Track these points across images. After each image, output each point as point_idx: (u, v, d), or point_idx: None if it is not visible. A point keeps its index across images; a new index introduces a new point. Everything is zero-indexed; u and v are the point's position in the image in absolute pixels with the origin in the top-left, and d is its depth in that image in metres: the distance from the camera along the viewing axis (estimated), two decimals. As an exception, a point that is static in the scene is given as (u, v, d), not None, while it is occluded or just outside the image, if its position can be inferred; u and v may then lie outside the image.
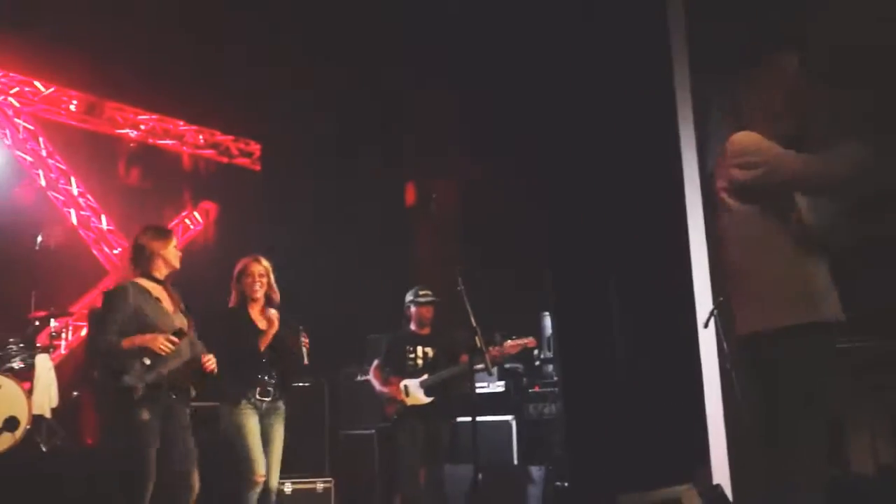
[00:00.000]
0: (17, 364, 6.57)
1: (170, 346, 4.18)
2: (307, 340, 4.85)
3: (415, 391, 5.71)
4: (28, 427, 6.12)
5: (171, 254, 4.52)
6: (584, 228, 6.49)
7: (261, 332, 4.93)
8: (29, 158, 8.57)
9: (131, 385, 4.17)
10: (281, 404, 4.97)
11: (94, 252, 8.85)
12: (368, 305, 7.21)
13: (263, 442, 4.85)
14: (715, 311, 4.99)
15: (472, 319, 4.68)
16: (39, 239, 6.99)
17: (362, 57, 7.85)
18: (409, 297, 5.85)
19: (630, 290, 6.35)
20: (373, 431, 6.97)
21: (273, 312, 4.98)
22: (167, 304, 4.47)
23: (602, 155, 6.39)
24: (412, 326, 5.87)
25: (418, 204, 8.73)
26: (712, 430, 5.21)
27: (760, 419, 2.86)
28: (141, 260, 4.49)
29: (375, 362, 5.93)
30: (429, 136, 8.11)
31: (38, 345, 6.81)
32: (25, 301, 6.92)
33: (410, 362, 5.78)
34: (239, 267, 5.05)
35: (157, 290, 4.46)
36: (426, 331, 5.87)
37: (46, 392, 6.61)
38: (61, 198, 8.72)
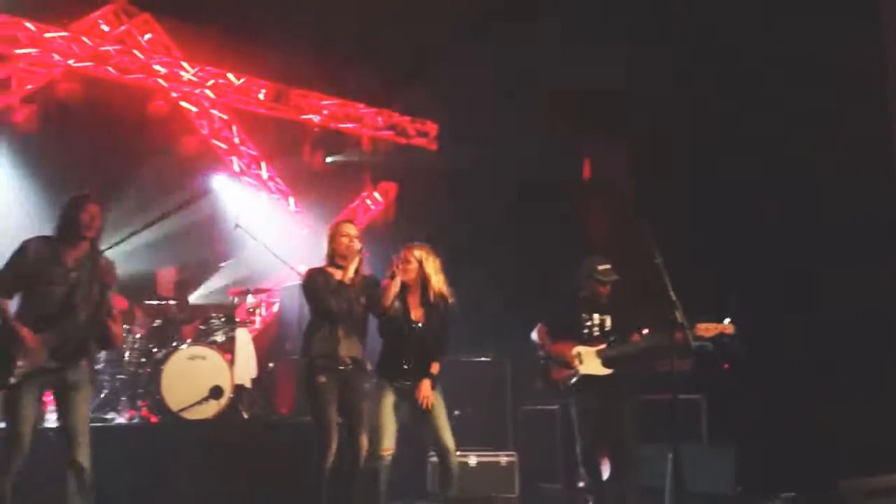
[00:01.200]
0: (219, 337, 7.04)
1: None
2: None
3: (590, 360, 5.35)
4: (231, 396, 6.49)
5: (340, 245, 5.01)
6: (779, 207, 6.26)
7: (411, 320, 5.03)
8: (224, 146, 9.06)
9: (311, 355, 4.85)
10: None
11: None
12: (550, 280, 6.93)
13: (419, 418, 4.95)
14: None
15: (672, 294, 4.47)
16: (237, 222, 7.33)
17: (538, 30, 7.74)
18: (586, 268, 5.46)
19: (831, 264, 6.02)
20: (555, 407, 6.90)
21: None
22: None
23: (801, 128, 6.19)
24: (586, 295, 5.53)
25: (594, 180, 8.49)
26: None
27: None
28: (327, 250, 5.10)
29: (539, 325, 5.59)
30: (603, 109, 7.85)
31: (237, 319, 7.22)
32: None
33: (586, 330, 5.43)
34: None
35: (337, 274, 4.99)
36: (603, 300, 5.53)
37: (246, 364, 7.05)
38: (253, 182, 9.18)
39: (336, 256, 5.01)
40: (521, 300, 7.32)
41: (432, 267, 5.02)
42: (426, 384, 4.91)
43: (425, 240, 5.16)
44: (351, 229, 5.09)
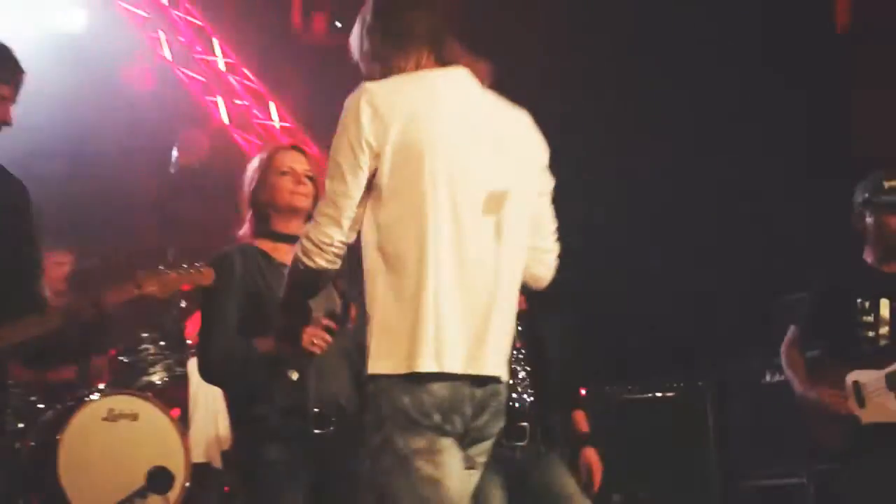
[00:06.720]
0: (157, 377, 4.89)
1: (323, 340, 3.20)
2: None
3: (881, 396, 3.77)
4: (186, 485, 4.47)
5: (277, 192, 3.47)
6: None
7: None
8: (143, 14, 6.28)
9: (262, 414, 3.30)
10: None
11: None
12: (781, 253, 5.32)
13: None
14: None
15: None
16: (175, 155, 5.58)
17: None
18: (862, 195, 3.91)
19: None
20: (803, 480, 4.80)
21: None
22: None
23: None
24: (868, 259, 3.92)
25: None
26: None
27: None
28: None
29: (790, 332, 4.08)
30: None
31: (188, 341, 4.98)
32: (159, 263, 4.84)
33: (868, 332, 3.87)
34: None
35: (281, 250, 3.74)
36: None
37: (211, 424, 4.74)
38: (200, 78, 6.74)
39: (272, 216, 3.29)
40: (735, 287, 5.28)
41: None
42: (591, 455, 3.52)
43: None
44: (297, 159, 3.31)
